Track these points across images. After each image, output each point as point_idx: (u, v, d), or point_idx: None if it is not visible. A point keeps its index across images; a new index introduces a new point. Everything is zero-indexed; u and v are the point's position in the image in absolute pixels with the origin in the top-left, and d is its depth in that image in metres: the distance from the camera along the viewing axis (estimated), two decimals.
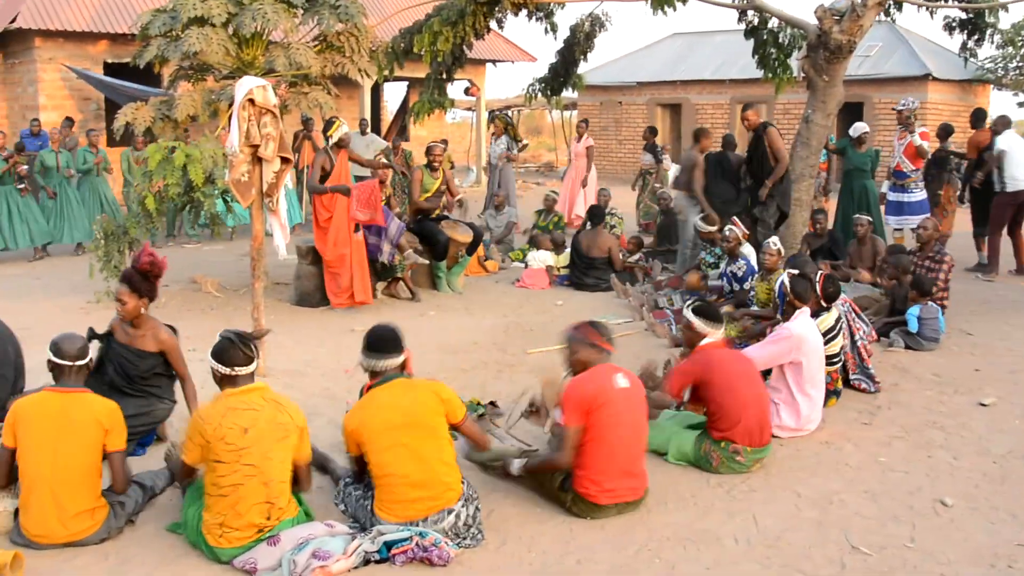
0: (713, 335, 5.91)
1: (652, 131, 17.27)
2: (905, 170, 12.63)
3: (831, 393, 6.88)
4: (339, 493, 5.12)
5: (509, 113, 27.06)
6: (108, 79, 17.85)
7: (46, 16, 18.75)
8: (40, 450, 4.74)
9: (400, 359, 4.91)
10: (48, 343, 5.01)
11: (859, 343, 7.33)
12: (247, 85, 6.70)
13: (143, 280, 6.07)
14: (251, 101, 6.68)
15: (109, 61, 19.60)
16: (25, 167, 14.04)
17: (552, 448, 5.29)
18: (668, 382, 5.91)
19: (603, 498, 5.09)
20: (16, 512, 4.89)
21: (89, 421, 4.78)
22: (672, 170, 26.07)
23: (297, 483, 4.87)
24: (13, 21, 18.35)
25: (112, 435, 4.83)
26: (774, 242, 8.97)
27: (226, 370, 4.69)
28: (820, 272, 7.13)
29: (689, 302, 6.21)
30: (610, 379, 5.13)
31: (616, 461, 5.08)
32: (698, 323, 5.92)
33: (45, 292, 11.37)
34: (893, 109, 13.23)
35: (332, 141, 10.08)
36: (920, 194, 12.66)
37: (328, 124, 10.14)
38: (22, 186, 13.97)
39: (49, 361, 4.94)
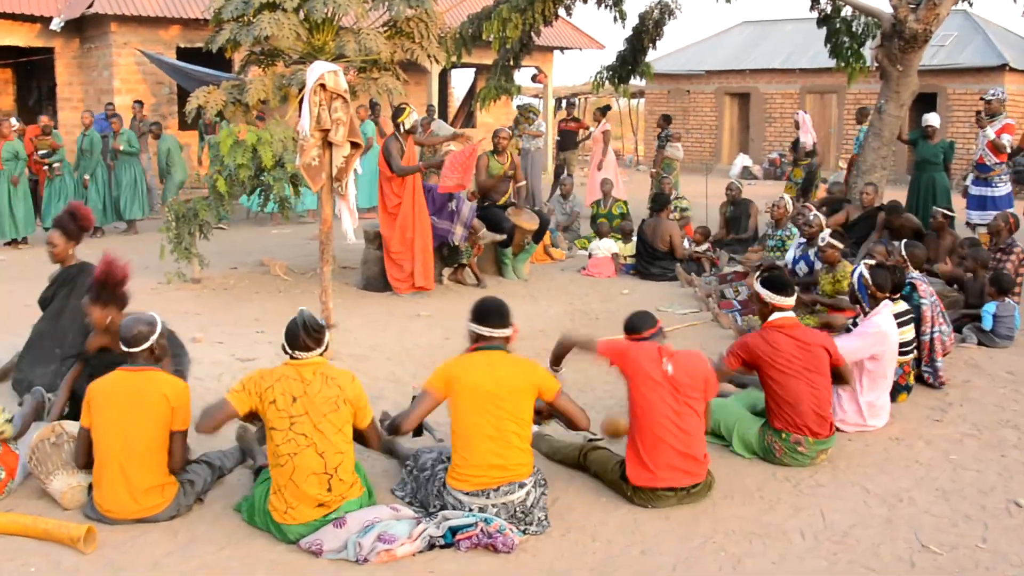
0: (783, 306, 5.79)
1: (666, 119, 17.55)
2: (988, 163, 12.12)
3: (902, 388, 6.76)
4: (404, 477, 5.18)
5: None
6: (180, 64, 18.09)
7: (122, 1, 19.05)
8: (111, 427, 4.83)
9: (507, 332, 4.99)
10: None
11: (936, 335, 7.18)
12: (319, 70, 6.74)
13: (71, 221, 6.73)
14: (322, 86, 6.72)
15: (181, 46, 19.88)
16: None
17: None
18: (728, 356, 5.80)
19: (656, 482, 5.06)
20: (90, 487, 5.00)
21: (157, 398, 4.86)
22: (739, 160, 26.02)
23: (367, 444, 5.00)
24: (90, 6, 18.67)
25: (176, 414, 4.90)
26: (823, 236, 8.86)
27: (295, 353, 4.77)
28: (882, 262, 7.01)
29: (758, 274, 6.10)
30: (659, 362, 5.12)
31: (664, 445, 5.04)
32: (766, 294, 5.82)
33: None
34: (981, 99, 12.71)
35: (405, 127, 10.08)
36: (1006, 188, 12.13)
37: (399, 111, 10.12)
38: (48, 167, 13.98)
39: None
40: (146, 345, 5.01)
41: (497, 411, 4.80)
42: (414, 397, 5.31)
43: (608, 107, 18.53)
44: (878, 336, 6.24)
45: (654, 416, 5.05)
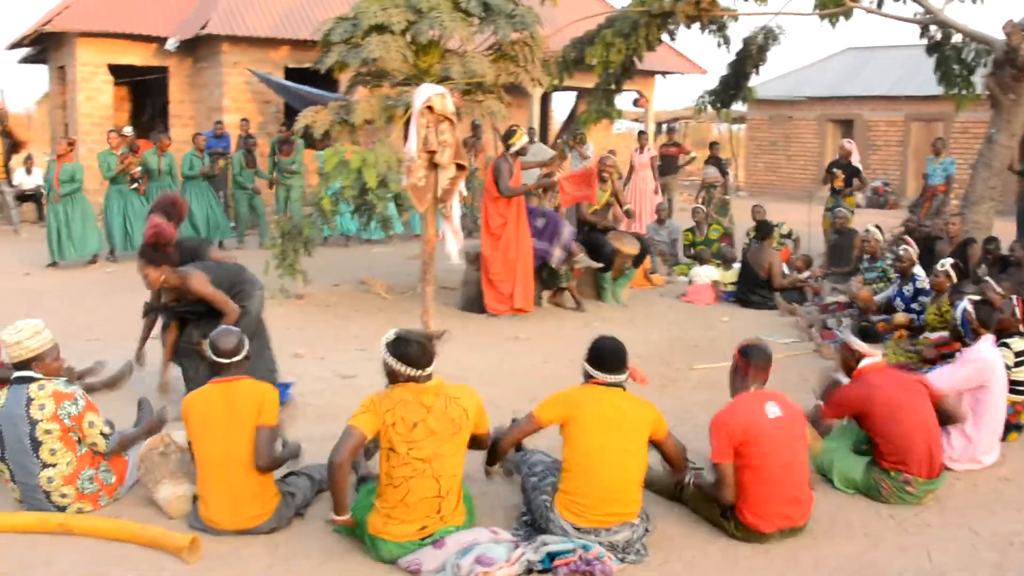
0: (872, 356, 5.69)
1: (714, 145, 17.69)
2: None
3: (1012, 427, 6.54)
4: (524, 475, 5.22)
5: (673, 126, 26.83)
6: (288, 83, 18.49)
7: (233, 22, 19.57)
8: (210, 438, 4.94)
9: (622, 377, 4.94)
10: None
11: None
12: (426, 92, 6.84)
13: (153, 251, 6.82)
14: (429, 108, 6.80)
15: (290, 66, 20.30)
16: (139, 168, 14.12)
17: (713, 483, 5.12)
18: (825, 409, 5.69)
19: (766, 526, 4.97)
20: (195, 498, 5.11)
21: (249, 405, 4.96)
22: None
23: (479, 447, 5.01)
24: (203, 28, 19.21)
25: (263, 411, 4.97)
26: (944, 263, 8.62)
27: (410, 371, 4.70)
28: (1018, 296, 6.80)
29: (847, 323, 5.98)
30: (760, 409, 5.01)
31: (777, 491, 4.94)
32: (855, 342, 5.69)
33: None
34: None
35: (514, 149, 10.14)
36: None
37: (510, 133, 10.19)
38: (135, 185, 14.11)
39: (209, 357, 5.18)
40: (241, 355, 5.15)
41: (623, 443, 4.76)
42: (513, 420, 5.31)
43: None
44: (981, 365, 6.04)
45: (766, 470, 4.93)
